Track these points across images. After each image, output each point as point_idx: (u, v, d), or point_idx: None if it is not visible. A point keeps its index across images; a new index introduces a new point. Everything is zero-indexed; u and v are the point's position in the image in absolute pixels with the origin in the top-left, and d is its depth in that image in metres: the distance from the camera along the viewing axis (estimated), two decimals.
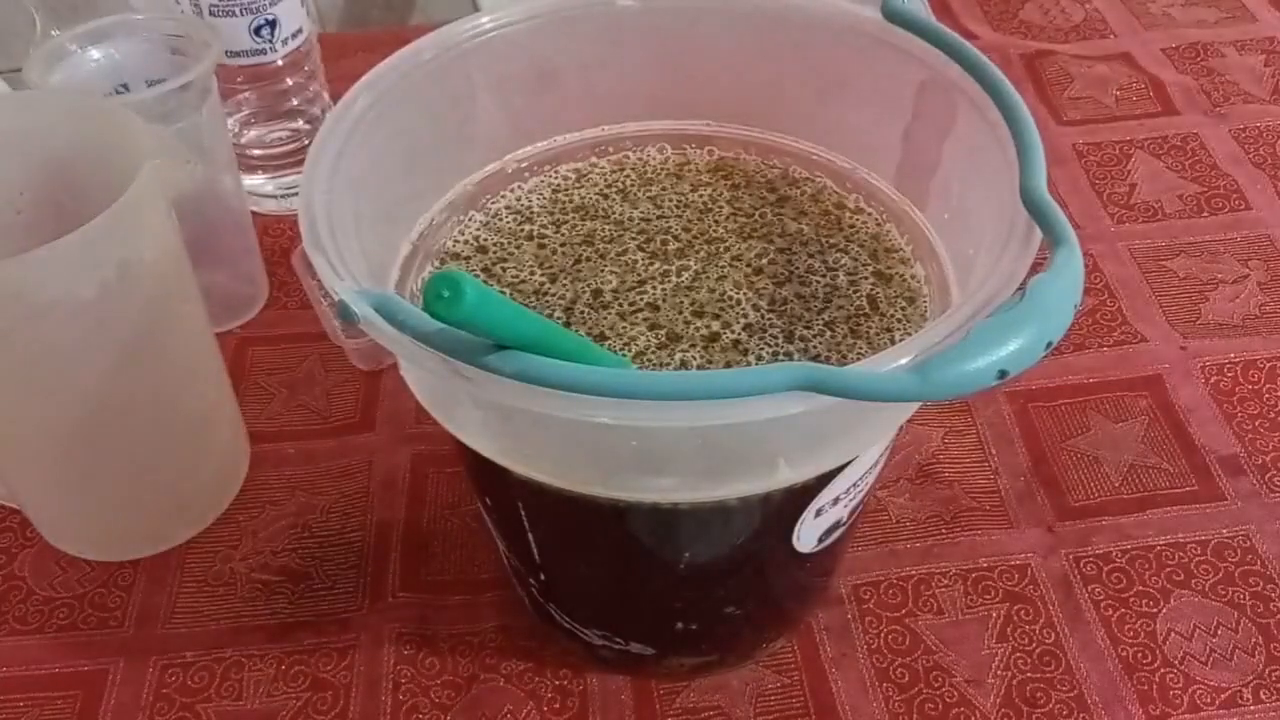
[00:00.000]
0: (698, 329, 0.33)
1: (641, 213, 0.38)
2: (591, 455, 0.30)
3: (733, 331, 0.33)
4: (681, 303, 0.34)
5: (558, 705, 0.38)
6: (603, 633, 0.37)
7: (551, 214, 0.38)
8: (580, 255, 0.36)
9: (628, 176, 0.39)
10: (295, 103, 0.57)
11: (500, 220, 0.38)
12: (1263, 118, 0.62)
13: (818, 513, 0.32)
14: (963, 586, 0.41)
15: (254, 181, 0.57)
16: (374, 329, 0.26)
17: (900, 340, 0.33)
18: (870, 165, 0.38)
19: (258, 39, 0.53)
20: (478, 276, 0.35)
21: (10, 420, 0.38)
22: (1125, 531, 0.43)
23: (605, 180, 0.39)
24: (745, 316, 0.34)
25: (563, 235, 0.37)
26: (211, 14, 0.51)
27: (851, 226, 0.37)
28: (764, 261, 0.36)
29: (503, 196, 0.38)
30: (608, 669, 0.39)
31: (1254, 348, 0.49)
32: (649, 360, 0.33)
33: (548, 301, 0.35)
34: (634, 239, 0.37)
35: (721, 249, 0.36)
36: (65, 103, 0.39)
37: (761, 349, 0.33)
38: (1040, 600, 0.41)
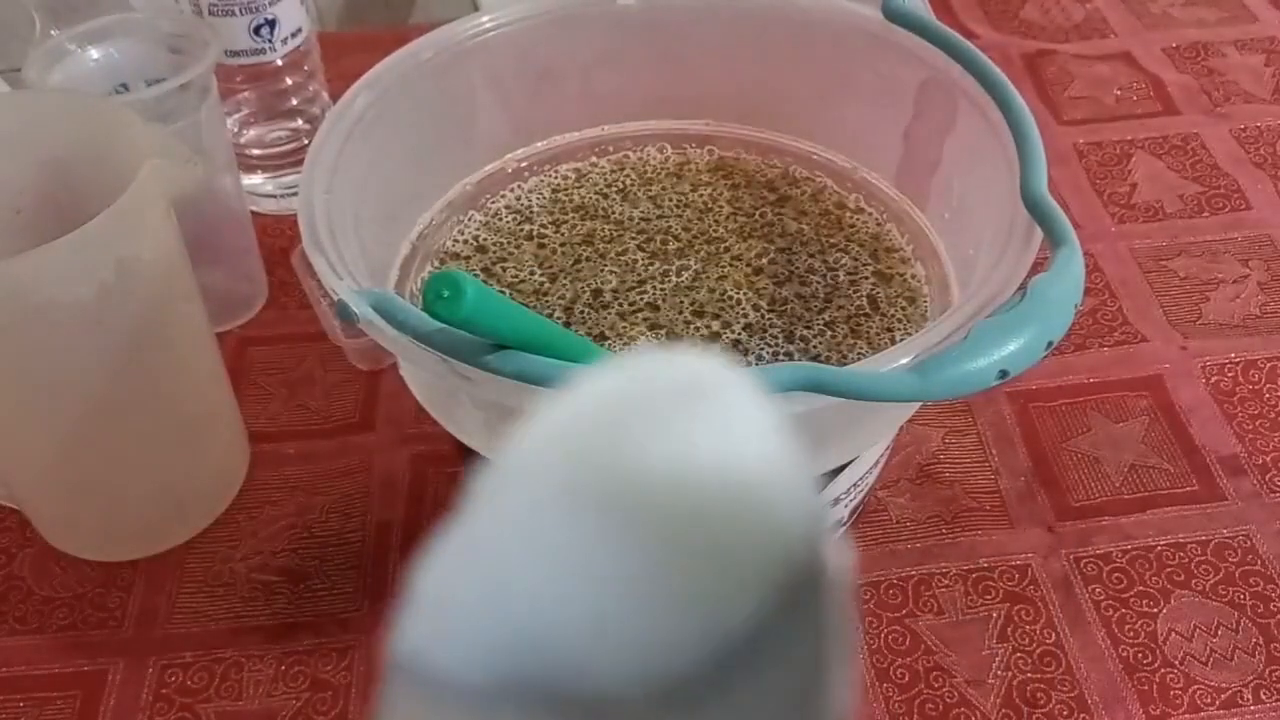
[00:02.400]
0: (698, 329, 0.33)
1: (641, 212, 0.38)
2: None
3: (733, 331, 0.33)
4: (681, 303, 0.34)
5: None
6: None
7: (551, 214, 0.38)
8: (580, 255, 0.36)
9: (628, 176, 0.39)
10: (295, 102, 0.57)
11: (500, 220, 0.38)
12: (1263, 117, 0.62)
13: None
14: (963, 586, 0.41)
15: (253, 181, 0.57)
16: (374, 329, 0.26)
17: (901, 340, 0.33)
18: (870, 165, 0.38)
19: (257, 38, 0.52)
20: (477, 276, 0.35)
21: (10, 420, 0.38)
22: (1126, 531, 0.43)
23: (605, 180, 0.39)
24: (745, 316, 0.34)
25: (563, 235, 0.37)
26: (211, 13, 0.51)
27: (852, 226, 0.37)
28: (764, 261, 0.36)
29: (502, 196, 0.38)
30: None
31: (1254, 348, 0.49)
32: None
33: (548, 301, 0.35)
34: (634, 239, 0.37)
35: (721, 249, 0.36)
36: (65, 103, 0.39)
37: (762, 349, 0.33)
38: (1040, 600, 0.41)
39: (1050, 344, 0.24)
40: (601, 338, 0.33)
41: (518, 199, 0.38)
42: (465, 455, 0.32)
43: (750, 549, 0.09)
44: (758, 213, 0.38)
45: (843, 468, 0.31)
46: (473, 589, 0.10)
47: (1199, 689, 0.38)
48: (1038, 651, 0.39)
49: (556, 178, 0.39)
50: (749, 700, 0.09)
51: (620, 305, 0.34)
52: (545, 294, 0.35)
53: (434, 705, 0.10)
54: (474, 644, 0.10)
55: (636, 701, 0.09)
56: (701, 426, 0.09)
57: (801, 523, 0.09)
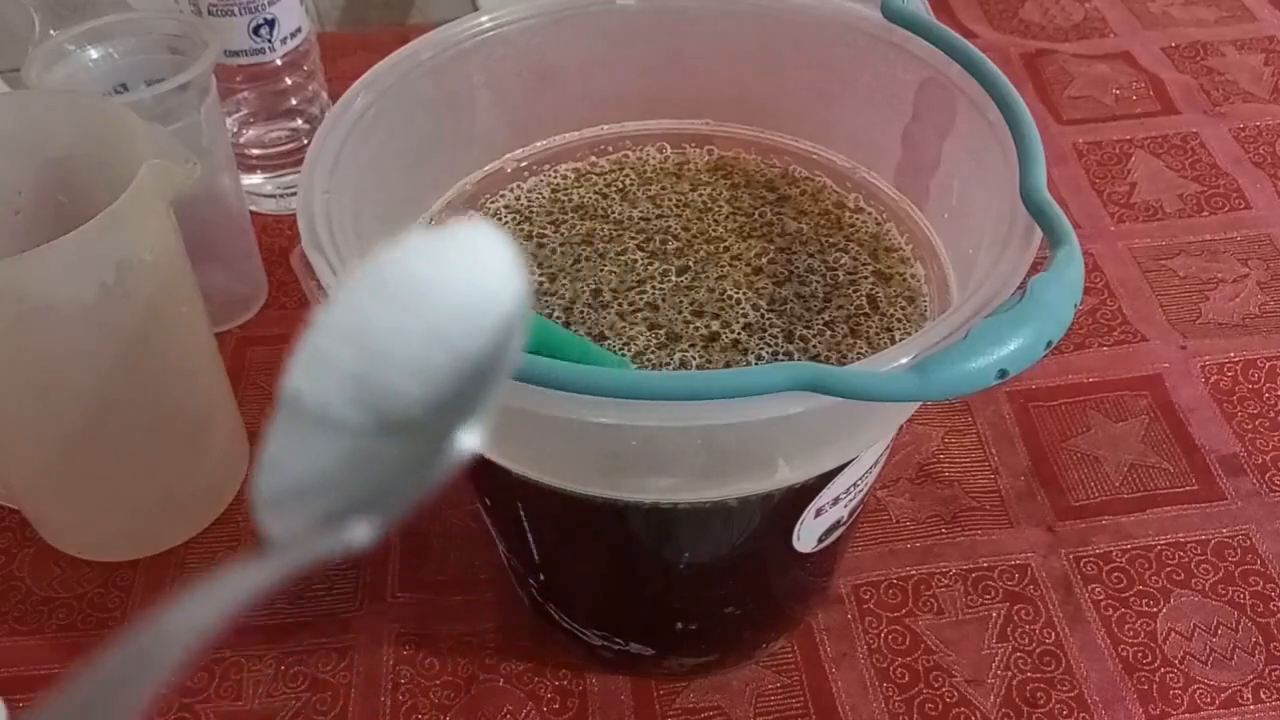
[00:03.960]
0: (697, 329, 0.33)
1: (641, 212, 0.38)
2: (591, 455, 0.30)
3: (732, 331, 0.33)
4: (681, 302, 0.34)
5: (557, 705, 0.38)
6: (602, 633, 0.37)
7: (551, 214, 0.38)
8: (579, 255, 0.36)
9: (627, 176, 0.39)
10: (294, 102, 0.57)
11: (499, 220, 0.38)
12: (1263, 117, 0.62)
13: (818, 513, 0.32)
14: (963, 586, 0.41)
15: (253, 181, 0.57)
16: None
17: (900, 340, 0.33)
18: (870, 164, 0.38)
19: (256, 38, 0.53)
20: None
21: (9, 421, 0.38)
22: (1125, 531, 0.43)
23: (604, 180, 0.39)
24: (745, 316, 0.34)
25: (562, 235, 0.37)
26: (210, 13, 0.51)
27: (851, 226, 0.37)
28: (764, 261, 0.36)
29: (502, 196, 0.38)
30: (608, 669, 0.39)
31: (1254, 347, 0.49)
32: (649, 360, 0.33)
33: (548, 301, 0.35)
34: (633, 238, 0.37)
35: (721, 248, 0.36)
36: (64, 103, 0.39)
37: (761, 349, 0.33)
38: (1040, 600, 0.41)
39: (1050, 344, 0.24)
40: (601, 337, 0.33)
41: (517, 199, 0.38)
42: None
43: (483, 314, 0.16)
44: (757, 212, 0.38)
45: (842, 468, 0.31)
46: (334, 349, 0.17)
47: (1199, 688, 0.38)
48: (1037, 651, 0.39)
49: (556, 178, 0.39)
50: (463, 412, 0.16)
51: (620, 305, 0.34)
52: (545, 294, 0.35)
53: (307, 430, 0.17)
54: (334, 385, 0.17)
55: (422, 419, 0.16)
56: (456, 253, 0.17)
57: (512, 301, 0.16)
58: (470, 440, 0.15)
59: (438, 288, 0.16)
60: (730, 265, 0.36)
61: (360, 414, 0.17)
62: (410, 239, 0.16)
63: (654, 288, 0.35)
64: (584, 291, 0.35)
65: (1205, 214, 0.56)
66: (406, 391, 0.16)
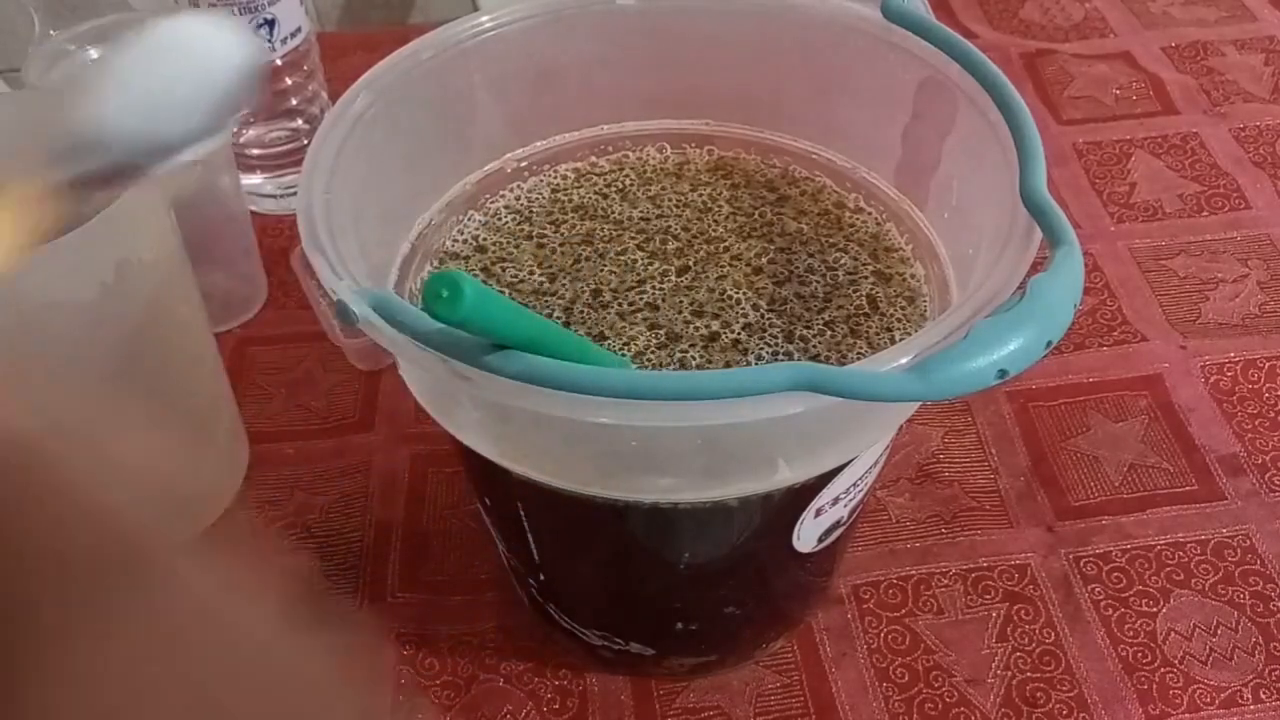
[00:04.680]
0: (697, 329, 0.33)
1: (641, 212, 0.38)
2: (591, 455, 0.30)
3: (732, 331, 0.33)
4: (681, 302, 0.34)
5: (557, 705, 0.38)
6: (602, 633, 0.37)
7: (551, 213, 0.38)
8: (579, 255, 0.36)
9: (627, 176, 0.39)
10: (294, 102, 0.57)
11: (499, 220, 0.38)
12: (1263, 117, 0.62)
13: (818, 513, 0.32)
14: (963, 586, 0.41)
15: (253, 181, 0.57)
16: (373, 329, 0.26)
17: (900, 340, 0.33)
18: (870, 164, 0.38)
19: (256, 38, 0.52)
20: (477, 276, 0.35)
21: None
22: (1125, 531, 0.43)
23: (604, 180, 0.39)
24: (745, 316, 0.34)
25: (562, 235, 0.37)
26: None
27: (851, 226, 0.37)
28: (764, 261, 0.36)
29: (502, 196, 0.38)
30: (608, 669, 0.39)
31: (1254, 347, 0.49)
32: (649, 360, 0.33)
33: (547, 301, 0.35)
34: (633, 238, 0.37)
35: (721, 248, 0.36)
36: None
37: (761, 349, 0.33)
38: (1040, 600, 0.41)
39: (1050, 344, 0.24)
40: (601, 337, 0.33)
41: (517, 199, 0.38)
42: (465, 455, 0.32)
43: (222, 69, 0.24)
44: (757, 212, 0.38)
45: (842, 468, 0.31)
46: (132, 82, 0.23)
47: (1198, 688, 0.38)
48: (1037, 651, 0.39)
49: (556, 177, 0.39)
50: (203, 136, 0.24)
51: (620, 305, 0.34)
52: (545, 294, 0.35)
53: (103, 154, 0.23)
54: (127, 114, 0.23)
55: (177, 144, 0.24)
56: (202, 31, 0.24)
57: (241, 59, 0.24)
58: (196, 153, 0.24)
59: (190, 52, 0.24)
60: (730, 265, 0.36)
61: (135, 137, 0.23)
62: (163, 23, 0.23)
63: (654, 288, 0.35)
64: (584, 291, 0.35)
65: (1205, 214, 0.56)
66: (172, 122, 0.23)
